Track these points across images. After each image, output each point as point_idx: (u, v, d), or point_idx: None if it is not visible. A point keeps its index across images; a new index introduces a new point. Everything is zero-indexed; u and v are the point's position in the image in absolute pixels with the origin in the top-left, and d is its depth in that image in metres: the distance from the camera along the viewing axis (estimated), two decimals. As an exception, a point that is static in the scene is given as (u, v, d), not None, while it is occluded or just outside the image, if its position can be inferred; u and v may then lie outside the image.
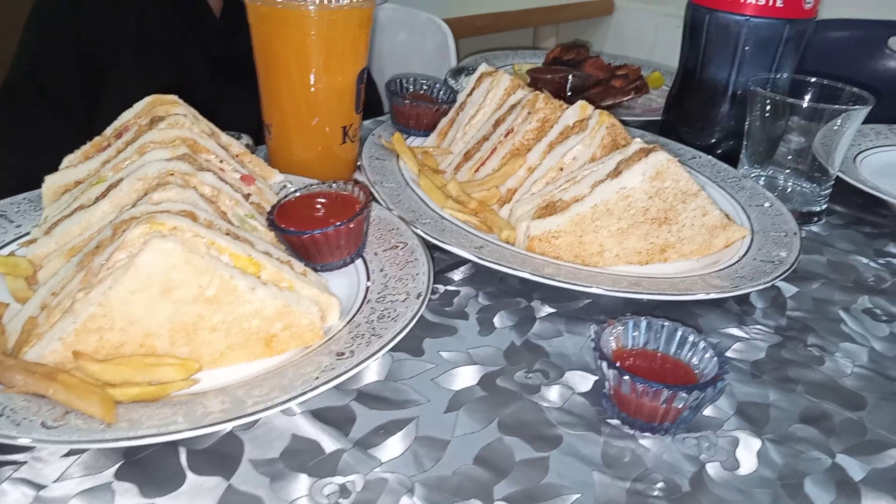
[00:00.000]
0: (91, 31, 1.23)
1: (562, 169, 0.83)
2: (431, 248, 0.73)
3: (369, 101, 1.05)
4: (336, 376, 0.52)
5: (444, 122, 1.00)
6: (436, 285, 0.74)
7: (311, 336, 0.59)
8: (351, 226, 0.68)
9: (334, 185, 0.73)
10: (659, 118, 1.17)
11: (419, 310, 0.61)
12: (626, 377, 0.53)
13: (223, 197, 0.65)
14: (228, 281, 0.55)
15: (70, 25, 1.23)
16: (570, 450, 0.54)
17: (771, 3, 0.95)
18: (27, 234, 0.71)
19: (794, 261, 0.74)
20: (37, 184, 0.73)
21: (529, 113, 0.89)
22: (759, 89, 0.89)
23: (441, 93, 1.05)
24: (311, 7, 0.78)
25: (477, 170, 0.90)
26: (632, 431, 0.56)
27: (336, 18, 0.80)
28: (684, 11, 1.05)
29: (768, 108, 0.89)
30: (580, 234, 0.74)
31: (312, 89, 0.83)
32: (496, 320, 0.69)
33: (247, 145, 0.90)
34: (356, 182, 0.73)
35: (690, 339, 0.59)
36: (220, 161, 0.72)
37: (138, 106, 0.76)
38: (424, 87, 1.05)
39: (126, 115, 0.76)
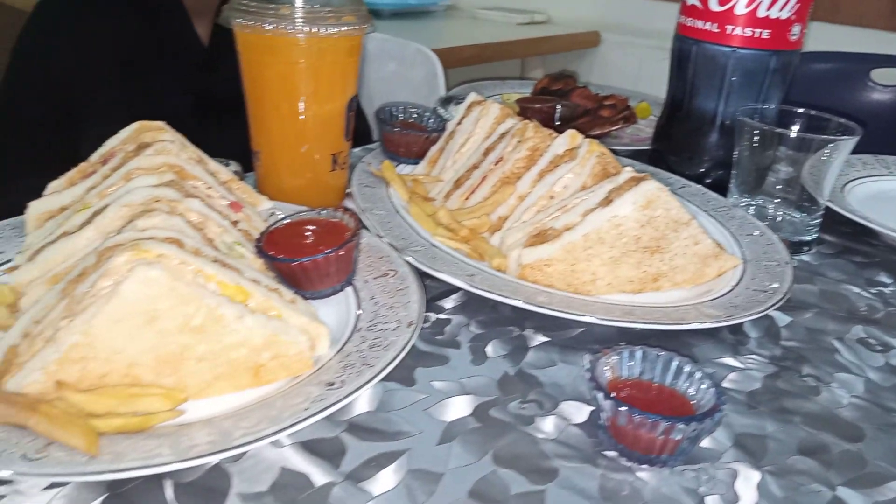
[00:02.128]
0: (64, 68, 1.22)
1: (552, 197, 0.82)
2: (422, 276, 0.72)
3: (358, 131, 1.04)
4: (326, 407, 0.50)
5: (433, 150, 1.00)
6: (427, 314, 0.73)
7: (300, 366, 0.57)
8: (341, 253, 0.67)
9: (323, 212, 0.72)
10: (647, 147, 1.17)
11: (411, 338, 0.60)
12: (623, 408, 0.52)
13: (210, 224, 0.64)
14: (215, 310, 0.53)
15: (43, 62, 1.22)
16: (566, 483, 0.52)
17: (757, 34, 0.96)
18: (10, 261, 0.69)
19: (787, 290, 0.73)
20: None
21: (519, 142, 0.89)
22: (747, 120, 0.89)
23: (430, 121, 1.05)
24: (300, 35, 0.78)
25: (467, 197, 0.89)
26: (629, 464, 0.55)
27: (325, 46, 0.80)
28: (671, 42, 1.06)
29: (756, 138, 0.90)
30: (572, 263, 0.73)
31: (301, 117, 0.82)
32: (489, 349, 0.68)
33: (235, 172, 0.90)
34: (346, 209, 0.72)
35: (686, 369, 0.58)
36: (208, 188, 0.71)
37: (124, 132, 0.75)
38: (414, 116, 1.05)
39: (112, 142, 0.75)
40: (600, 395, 0.54)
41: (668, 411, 0.55)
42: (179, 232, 0.59)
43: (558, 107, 1.24)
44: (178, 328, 0.53)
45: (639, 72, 2.50)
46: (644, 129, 1.32)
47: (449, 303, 0.75)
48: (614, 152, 1.04)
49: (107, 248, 0.56)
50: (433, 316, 0.72)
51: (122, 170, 0.69)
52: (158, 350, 0.53)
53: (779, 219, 0.94)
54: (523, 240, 0.77)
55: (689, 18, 1.00)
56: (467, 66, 2.18)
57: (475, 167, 0.91)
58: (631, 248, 0.74)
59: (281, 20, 0.78)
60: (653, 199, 0.72)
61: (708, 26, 0.97)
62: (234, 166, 0.90)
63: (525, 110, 1.24)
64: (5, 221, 0.75)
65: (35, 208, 0.72)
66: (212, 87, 1.30)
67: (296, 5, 0.79)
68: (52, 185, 0.75)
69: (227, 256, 0.62)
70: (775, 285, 0.74)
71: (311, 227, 0.71)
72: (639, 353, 0.59)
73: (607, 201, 0.74)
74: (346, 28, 0.80)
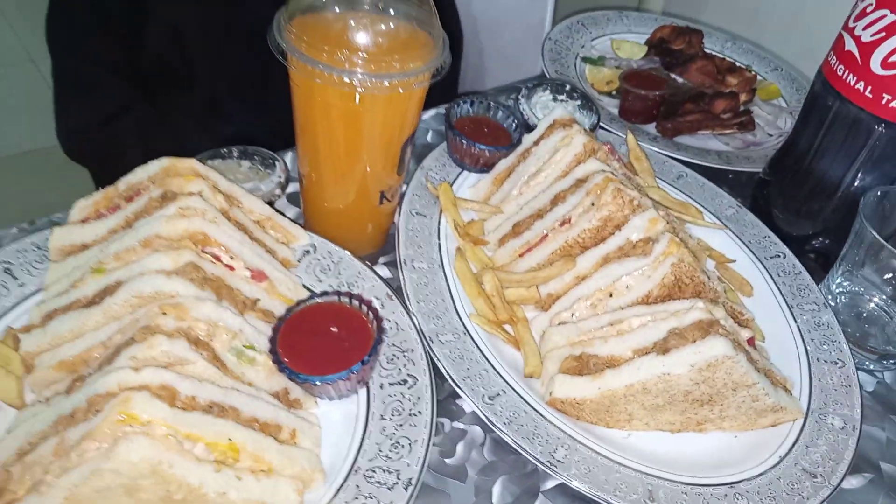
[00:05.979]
0: None
1: (611, 295, 0.73)
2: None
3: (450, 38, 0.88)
4: None
5: (503, 164, 0.89)
6: (440, 420, 0.69)
7: (284, 523, 0.56)
8: (356, 371, 0.62)
9: (346, 299, 0.67)
10: (755, 170, 1.01)
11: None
12: None
13: (220, 332, 0.60)
14: (197, 489, 0.52)
15: None
16: None
17: (920, 109, 0.77)
18: (28, 295, 0.68)
19: (842, 476, 0.66)
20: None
21: (593, 204, 0.77)
22: (874, 200, 0.76)
23: (508, 121, 0.92)
24: (359, 89, 0.66)
25: (522, 254, 0.80)
26: None
27: (389, 98, 0.68)
28: (813, 77, 0.87)
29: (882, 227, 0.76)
30: (608, 405, 0.67)
31: (351, 155, 0.73)
32: (496, 490, 0.64)
33: (279, 183, 0.83)
34: (370, 306, 0.66)
35: None
36: (231, 257, 0.66)
37: (153, 167, 0.69)
38: (488, 111, 0.93)
39: (140, 174, 0.70)
40: None
41: None
42: (178, 363, 0.56)
43: (664, 97, 1.07)
44: (159, 499, 0.52)
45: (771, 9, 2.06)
46: (762, 126, 1.14)
47: (470, 404, 0.71)
48: (711, 172, 0.92)
49: (98, 396, 0.53)
50: (448, 424, 0.69)
51: (143, 230, 0.64)
52: (139, 510, 0.52)
53: (875, 314, 0.82)
54: (563, 353, 0.70)
55: (840, 66, 0.80)
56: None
57: (539, 216, 0.81)
58: (678, 399, 0.66)
59: (335, 68, 0.65)
60: (716, 364, 0.63)
61: (860, 86, 0.78)
62: (279, 172, 0.83)
63: (627, 93, 1.08)
64: (30, 239, 0.72)
65: (58, 237, 0.69)
66: None
67: (356, 43, 0.66)
68: (79, 206, 0.71)
69: (230, 375, 0.59)
70: (829, 465, 0.66)
71: (330, 325, 0.66)
72: None
73: (664, 349, 0.65)
74: (409, 78, 0.67)
